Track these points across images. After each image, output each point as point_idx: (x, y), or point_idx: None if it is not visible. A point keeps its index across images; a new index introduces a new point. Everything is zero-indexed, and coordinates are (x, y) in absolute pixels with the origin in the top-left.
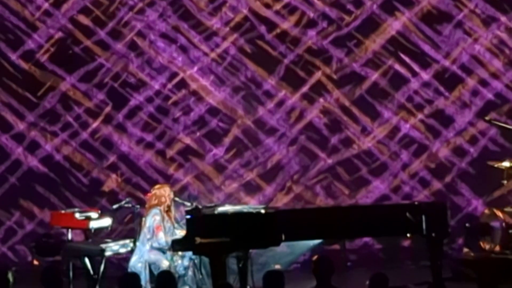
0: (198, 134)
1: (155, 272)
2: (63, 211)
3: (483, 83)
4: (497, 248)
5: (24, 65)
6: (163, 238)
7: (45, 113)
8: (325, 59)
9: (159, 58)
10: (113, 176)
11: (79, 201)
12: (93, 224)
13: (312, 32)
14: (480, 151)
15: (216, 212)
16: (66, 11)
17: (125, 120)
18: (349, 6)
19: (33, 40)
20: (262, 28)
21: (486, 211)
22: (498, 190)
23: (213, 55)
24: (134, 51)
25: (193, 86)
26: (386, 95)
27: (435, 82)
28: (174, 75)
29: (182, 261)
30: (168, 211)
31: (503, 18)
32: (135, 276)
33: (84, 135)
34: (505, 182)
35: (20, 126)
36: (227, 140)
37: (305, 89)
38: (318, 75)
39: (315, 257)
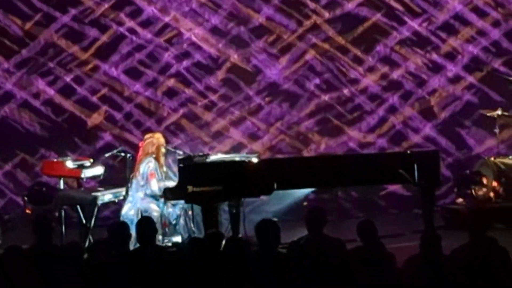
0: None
1: None
2: (55, 160)
3: (479, 33)
4: (490, 197)
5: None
6: (156, 185)
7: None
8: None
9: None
10: (103, 108)
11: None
12: (85, 173)
13: None
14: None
15: (208, 160)
16: None
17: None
18: None
19: None
20: None
21: (479, 159)
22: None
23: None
24: None
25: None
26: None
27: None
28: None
29: (174, 210)
30: (159, 158)
31: None
32: (124, 225)
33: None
34: (497, 130)
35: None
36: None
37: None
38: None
39: (307, 207)
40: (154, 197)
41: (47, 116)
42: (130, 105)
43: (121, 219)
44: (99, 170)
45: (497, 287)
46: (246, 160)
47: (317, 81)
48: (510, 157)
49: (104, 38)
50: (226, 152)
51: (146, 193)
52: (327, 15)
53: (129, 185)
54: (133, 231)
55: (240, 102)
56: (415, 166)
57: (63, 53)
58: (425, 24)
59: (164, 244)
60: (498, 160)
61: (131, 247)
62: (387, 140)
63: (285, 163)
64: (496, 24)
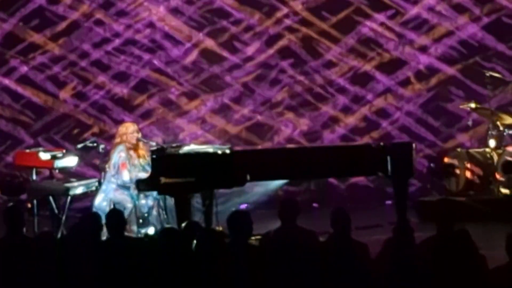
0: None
1: None
2: (27, 150)
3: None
4: (462, 189)
5: None
6: (127, 176)
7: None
8: None
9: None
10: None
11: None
12: (58, 164)
13: None
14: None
15: (181, 151)
16: None
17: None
18: None
19: None
20: None
21: (451, 151)
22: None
23: None
24: None
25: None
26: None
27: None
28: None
29: (147, 201)
30: (135, 149)
31: None
32: (97, 216)
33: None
34: (470, 123)
35: None
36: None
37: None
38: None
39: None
40: (127, 188)
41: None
42: (103, 95)
43: (94, 209)
44: (72, 161)
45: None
46: (219, 152)
47: (289, 64)
48: (482, 149)
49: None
50: (199, 143)
51: (118, 183)
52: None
53: (102, 175)
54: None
55: (215, 88)
56: (388, 158)
57: (25, 42)
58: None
59: (137, 235)
60: (471, 151)
61: (103, 238)
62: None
63: (258, 155)
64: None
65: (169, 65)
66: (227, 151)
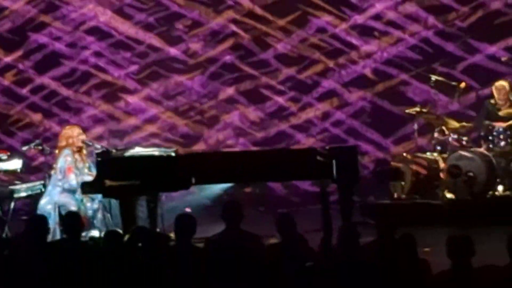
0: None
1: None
2: None
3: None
4: (408, 193)
5: None
6: (74, 180)
7: None
8: None
9: None
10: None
11: None
12: (2, 166)
13: None
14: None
15: (126, 154)
16: None
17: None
18: None
19: None
20: None
21: (397, 155)
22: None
23: None
24: None
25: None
26: None
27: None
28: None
29: (92, 204)
30: (80, 152)
31: None
32: (43, 218)
33: None
34: (415, 127)
35: None
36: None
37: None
38: None
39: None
40: (72, 191)
41: None
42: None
43: (38, 212)
44: (16, 163)
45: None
46: (164, 155)
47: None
48: (428, 153)
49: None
50: (145, 146)
51: (64, 187)
52: None
53: (47, 178)
54: (51, 225)
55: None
56: (334, 161)
57: None
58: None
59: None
60: (416, 156)
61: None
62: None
63: (203, 158)
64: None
65: (117, 66)
66: (172, 154)
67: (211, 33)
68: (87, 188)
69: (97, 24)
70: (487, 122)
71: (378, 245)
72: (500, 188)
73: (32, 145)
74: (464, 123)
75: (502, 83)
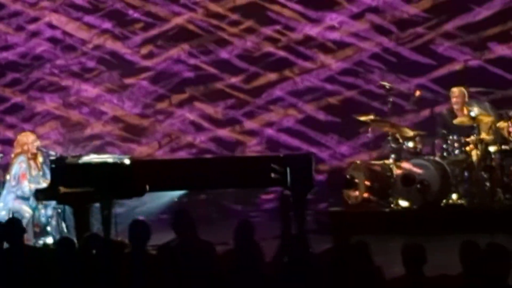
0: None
1: None
2: None
3: None
4: (362, 201)
5: None
6: (27, 187)
7: None
8: None
9: None
10: None
11: None
12: None
13: None
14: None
15: (80, 161)
16: None
17: None
18: None
19: None
20: None
21: (351, 163)
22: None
23: None
24: None
25: None
26: None
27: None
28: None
29: (46, 211)
30: (34, 158)
31: None
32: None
33: None
34: (369, 135)
35: None
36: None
37: None
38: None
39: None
40: (26, 198)
41: None
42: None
43: None
44: None
45: None
46: (118, 162)
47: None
48: (382, 161)
49: None
50: (99, 153)
51: (17, 194)
52: None
53: (1, 185)
54: None
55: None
56: (288, 169)
57: None
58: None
59: (35, 245)
60: (370, 163)
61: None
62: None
63: (157, 165)
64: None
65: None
66: (127, 161)
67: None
68: (41, 195)
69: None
70: (442, 130)
71: (333, 252)
72: (454, 196)
73: None
74: (418, 131)
75: (456, 89)
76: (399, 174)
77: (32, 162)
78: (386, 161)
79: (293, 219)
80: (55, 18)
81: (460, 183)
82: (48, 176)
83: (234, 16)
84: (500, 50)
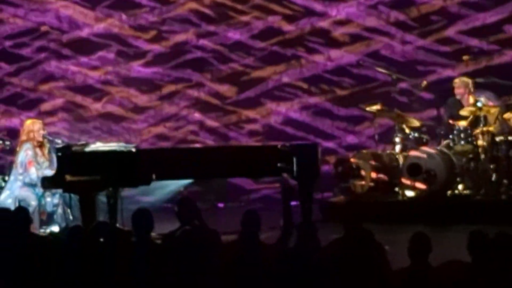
0: None
1: None
2: None
3: None
4: (367, 191)
5: None
6: (34, 174)
7: None
8: None
9: None
10: None
11: None
12: None
13: None
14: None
15: (86, 149)
16: None
17: None
18: None
19: None
20: None
21: (357, 153)
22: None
23: None
24: None
25: None
26: None
27: None
28: None
29: (52, 199)
30: (41, 146)
31: None
32: (6, 212)
33: None
34: (376, 124)
35: None
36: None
37: None
38: None
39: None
40: (33, 185)
41: None
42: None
43: None
44: None
45: (371, 279)
46: (124, 150)
47: None
48: (388, 151)
49: None
50: (105, 142)
51: (25, 181)
52: None
53: (8, 172)
54: None
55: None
56: (294, 158)
57: None
58: None
59: (41, 234)
60: (376, 153)
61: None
62: None
63: (163, 154)
64: None
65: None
66: (133, 150)
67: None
68: (47, 183)
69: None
70: (448, 120)
71: (343, 242)
72: (459, 186)
73: None
74: (424, 122)
75: (458, 79)
76: (405, 164)
77: (38, 150)
78: (393, 151)
79: (299, 209)
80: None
81: (466, 174)
82: (55, 164)
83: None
84: None
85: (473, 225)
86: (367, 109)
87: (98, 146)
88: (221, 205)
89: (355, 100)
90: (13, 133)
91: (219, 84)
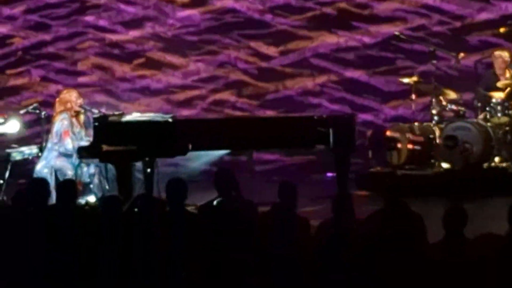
0: None
1: (61, 179)
2: None
3: None
4: (404, 163)
5: None
6: (70, 144)
7: None
8: None
9: None
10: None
11: None
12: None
13: None
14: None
15: (123, 119)
16: None
17: None
18: None
19: None
20: None
21: (393, 125)
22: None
23: None
24: None
25: None
26: None
27: None
28: None
29: (88, 168)
30: (77, 116)
31: None
32: (45, 182)
33: None
34: (413, 97)
35: None
36: None
37: None
38: None
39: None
40: (69, 155)
41: None
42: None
43: (35, 176)
44: (14, 127)
45: (409, 252)
46: (161, 120)
47: None
48: (424, 123)
49: None
50: (142, 112)
51: (60, 151)
52: None
53: (44, 142)
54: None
55: None
56: (331, 130)
57: None
58: None
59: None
60: (413, 125)
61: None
62: None
63: (200, 124)
64: None
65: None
66: (170, 120)
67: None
68: (83, 152)
69: None
70: (485, 92)
71: (383, 215)
72: (496, 159)
73: (29, 108)
74: (461, 93)
75: (499, 52)
76: (441, 136)
77: (74, 120)
78: (429, 123)
79: (335, 181)
80: None
81: (503, 146)
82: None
83: None
84: None
85: (509, 197)
86: (404, 81)
87: (134, 116)
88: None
89: (392, 72)
90: (50, 103)
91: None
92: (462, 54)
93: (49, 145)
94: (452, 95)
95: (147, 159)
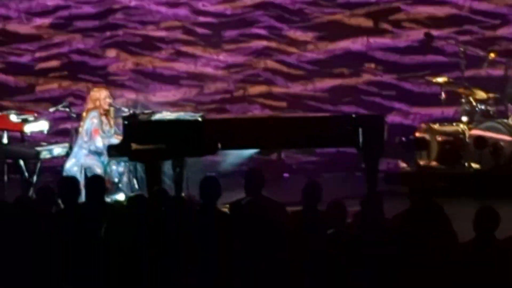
0: None
1: None
2: None
3: None
4: (433, 163)
5: None
6: (100, 142)
7: None
8: None
9: None
10: None
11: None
12: (29, 127)
13: None
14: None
15: (153, 118)
16: None
17: None
18: None
19: None
20: None
21: (423, 125)
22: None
23: None
24: None
25: None
26: None
27: None
28: None
29: (118, 167)
30: (106, 114)
31: None
32: (75, 180)
33: None
34: (442, 97)
35: None
36: None
37: None
38: None
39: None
40: (98, 153)
41: None
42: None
43: (64, 174)
44: (43, 125)
45: (437, 251)
46: (191, 119)
47: None
48: (453, 123)
49: None
50: (172, 111)
51: (90, 149)
52: None
53: (73, 140)
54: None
55: None
56: (360, 130)
57: None
58: None
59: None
60: (442, 125)
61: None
62: None
63: (229, 123)
64: None
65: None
66: (199, 119)
67: None
68: (113, 151)
69: None
70: None
71: (411, 214)
72: None
73: (59, 106)
74: (491, 94)
75: None
76: (471, 136)
77: (104, 118)
78: (458, 124)
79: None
80: None
81: None
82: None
83: None
84: None
85: None
86: (433, 80)
87: (164, 114)
88: (286, 175)
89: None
90: (80, 101)
91: None
92: (492, 55)
93: (78, 143)
94: (482, 95)
95: (176, 157)
